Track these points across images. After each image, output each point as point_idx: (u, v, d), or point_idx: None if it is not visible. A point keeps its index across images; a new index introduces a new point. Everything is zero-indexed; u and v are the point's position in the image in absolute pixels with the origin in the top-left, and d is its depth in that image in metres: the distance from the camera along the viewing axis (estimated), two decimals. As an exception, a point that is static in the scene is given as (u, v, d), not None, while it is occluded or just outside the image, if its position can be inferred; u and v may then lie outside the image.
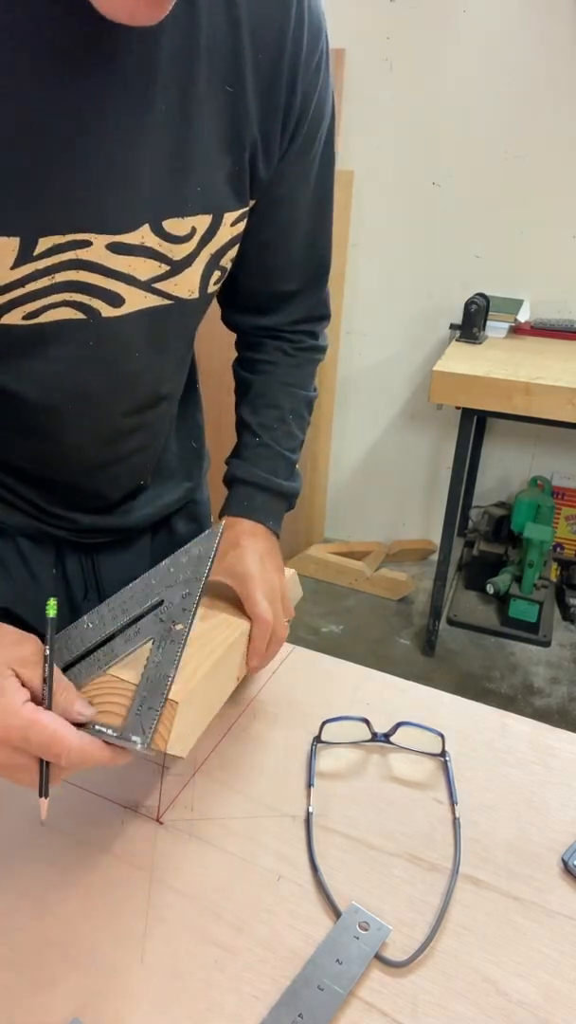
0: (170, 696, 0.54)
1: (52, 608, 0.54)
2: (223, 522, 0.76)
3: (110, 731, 0.53)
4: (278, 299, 0.80)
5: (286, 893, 0.58)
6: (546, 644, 2.40)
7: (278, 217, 0.72)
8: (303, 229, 0.75)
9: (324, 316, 0.84)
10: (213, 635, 0.65)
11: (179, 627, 0.54)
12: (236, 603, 0.71)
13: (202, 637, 0.64)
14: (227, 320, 0.84)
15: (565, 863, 0.60)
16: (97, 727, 0.53)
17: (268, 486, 0.79)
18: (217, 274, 0.68)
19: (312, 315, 0.83)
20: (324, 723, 0.71)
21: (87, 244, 0.58)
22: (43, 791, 0.51)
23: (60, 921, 0.55)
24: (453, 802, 0.66)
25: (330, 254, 0.80)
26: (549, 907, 0.57)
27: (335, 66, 2.32)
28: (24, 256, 0.56)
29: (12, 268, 0.57)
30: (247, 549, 0.73)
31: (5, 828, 0.62)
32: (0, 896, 0.57)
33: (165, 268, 0.63)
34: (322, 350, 0.85)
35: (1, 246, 0.55)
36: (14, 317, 0.60)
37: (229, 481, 0.80)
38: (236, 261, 0.74)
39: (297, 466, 0.83)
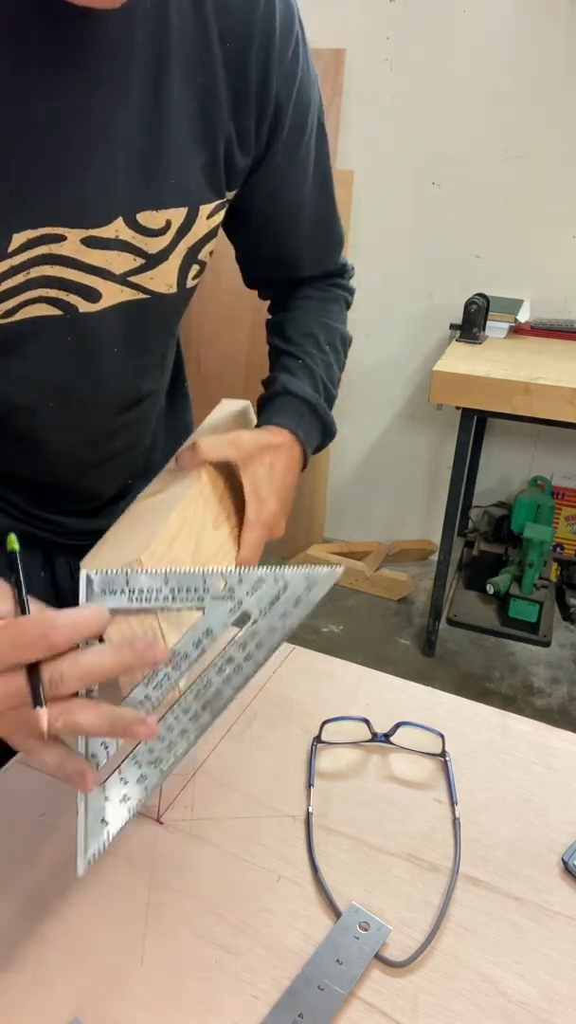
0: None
1: (13, 543, 0.49)
2: (269, 429, 0.70)
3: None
4: (300, 282, 0.82)
5: (286, 893, 0.57)
6: (546, 644, 2.40)
7: (282, 211, 0.72)
8: (309, 215, 0.75)
9: (348, 272, 0.86)
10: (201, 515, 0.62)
11: None
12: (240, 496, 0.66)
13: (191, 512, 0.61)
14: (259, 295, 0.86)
15: (565, 863, 0.60)
16: None
17: (316, 408, 0.74)
18: (195, 268, 0.67)
19: (336, 279, 0.85)
20: (324, 723, 0.71)
21: (61, 239, 0.58)
22: (38, 700, 0.44)
23: (60, 921, 0.55)
24: (453, 802, 0.66)
25: (340, 227, 0.80)
26: (549, 907, 0.57)
27: (335, 66, 2.33)
28: None
29: None
30: (279, 475, 0.68)
31: (5, 828, 0.62)
32: (0, 896, 0.57)
33: (140, 261, 0.62)
34: (351, 291, 0.86)
35: None
36: None
37: (274, 395, 0.73)
38: (251, 259, 0.74)
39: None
